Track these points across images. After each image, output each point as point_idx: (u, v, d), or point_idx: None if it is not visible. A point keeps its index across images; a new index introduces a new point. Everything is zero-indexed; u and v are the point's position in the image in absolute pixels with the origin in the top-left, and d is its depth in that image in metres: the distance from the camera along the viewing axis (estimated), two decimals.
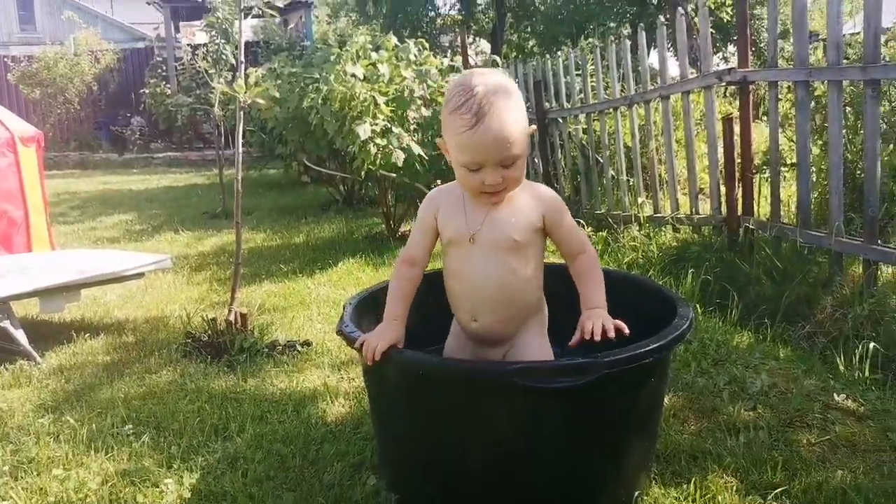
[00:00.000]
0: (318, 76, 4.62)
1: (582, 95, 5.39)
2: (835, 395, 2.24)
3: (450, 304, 1.76)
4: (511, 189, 1.59)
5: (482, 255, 1.64)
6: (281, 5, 3.18)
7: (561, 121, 5.63)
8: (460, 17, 13.51)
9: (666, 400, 2.23)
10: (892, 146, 3.67)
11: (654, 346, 1.51)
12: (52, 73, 12.85)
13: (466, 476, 1.56)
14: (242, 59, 2.99)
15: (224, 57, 6.99)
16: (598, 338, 1.51)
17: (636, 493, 1.66)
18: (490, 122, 1.48)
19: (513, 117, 1.51)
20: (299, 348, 2.87)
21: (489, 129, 1.49)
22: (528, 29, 13.22)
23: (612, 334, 1.51)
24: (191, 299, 3.74)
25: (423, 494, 1.59)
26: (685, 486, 1.74)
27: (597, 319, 1.54)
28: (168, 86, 12.79)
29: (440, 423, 1.58)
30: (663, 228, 4.31)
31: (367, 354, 1.55)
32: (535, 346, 1.69)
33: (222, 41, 7.12)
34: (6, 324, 2.81)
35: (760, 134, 5.25)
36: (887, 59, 3.40)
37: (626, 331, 1.52)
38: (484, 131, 1.49)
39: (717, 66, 4.27)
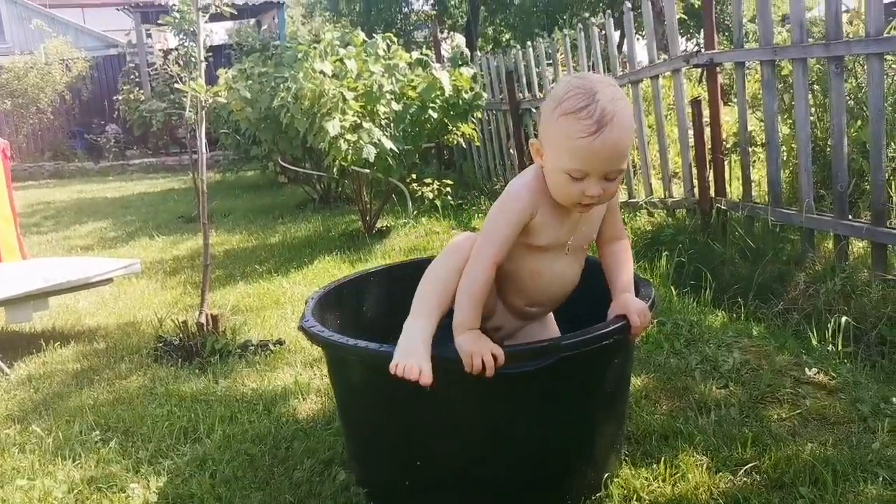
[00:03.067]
0: (288, 75, 4.58)
1: (554, 85, 5.37)
2: (806, 369, 2.25)
3: (499, 289, 1.63)
4: (608, 200, 1.53)
5: (567, 260, 1.61)
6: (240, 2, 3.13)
7: (534, 111, 5.62)
8: (434, 13, 13.47)
9: (638, 381, 2.23)
10: (859, 122, 3.68)
11: (614, 327, 1.50)
12: (23, 84, 12.67)
13: (433, 466, 1.54)
14: (202, 57, 2.95)
15: (193, 59, 6.92)
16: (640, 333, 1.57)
17: (606, 475, 1.65)
18: (611, 131, 1.38)
19: (632, 129, 1.44)
20: (272, 347, 2.84)
21: (609, 139, 1.38)
22: (503, 22, 13.23)
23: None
24: (164, 304, 3.70)
25: (391, 486, 1.57)
26: (655, 466, 1.73)
27: (643, 315, 1.55)
28: (142, 92, 12.70)
29: (404, 414, 1.56)
30: (638, 213, 4.31)
31: (484, 368, 1.41)
32: (552, 320, 1.78)
33: (191, 43, 7.04)
34: None
35: (732, 115, 5.27)
36: (850, 35, 3.41)
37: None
38: (603, 140, 1.38)
39: (687, 50, 4.27)
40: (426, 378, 1.41)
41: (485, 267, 1.51)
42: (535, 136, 5.70)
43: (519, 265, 1.59)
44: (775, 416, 1.97)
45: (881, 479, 1.62)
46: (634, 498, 1.63)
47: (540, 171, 1.54)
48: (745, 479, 1.67)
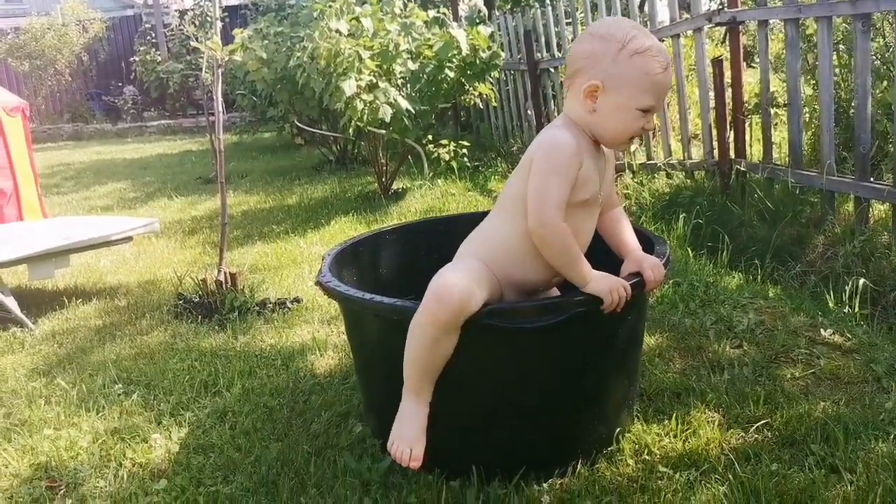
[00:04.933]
0: (304, 34, 4.55)
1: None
2: (822, 330, 2.24)
3: (524, 261, 1.56)
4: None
5: (594, 214, 1.62)
6: None
7: (553, 71, 5.55)
8: None
9: (652, 340, 2.24)
10: (885, 83, 3.61)
11: (629, 282, 1.50)
12: (41, 45, 12.68)
13: (448, 419, 1.56)
14: (218, 16, 2.93)
15: (209, 20, 6.88)
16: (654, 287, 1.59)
17: (617, 430, 1.67)
18: (671, 69, 1.52)
19: None
20: (289, 305, 2.87)
21: (671, 75, 1.52)
22: None
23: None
24: (183, 262, 3.75)
25: None
26: (667, 423, 1.75)
27: (656, 269, 1.57)
28: (158, 53, 12.68)
29: None
30: (656, 175, 4.28)
31: (624, 297, 1.47)
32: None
33: (207, 3, 6.99)
34: None
35: (753, 77, 5.17)
36: None
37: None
38: (670, 74, 1.51)
39: (710, 9, 4.18)
40: (416, 462, 1.49)
41: (558, 224, 1.46)
42: (553, 96, 5.62)
43: None
44: (788, 376, 1.97)
45: (892, 436, 1.62)
46: (645, 452, 1.65)
47: (570, 121, 1.55)
48: (756, 435, 1.69)
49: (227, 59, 2.93)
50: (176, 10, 13.09)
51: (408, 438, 1.51)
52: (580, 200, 1.52)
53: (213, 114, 2.84)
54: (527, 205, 1.49)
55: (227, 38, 5.11)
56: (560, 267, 1.51)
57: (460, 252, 1.66)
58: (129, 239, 3.32)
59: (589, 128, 1.54)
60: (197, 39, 6.43)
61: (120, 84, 13.33)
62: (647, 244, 1.72)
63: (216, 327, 2.70)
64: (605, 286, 1.46)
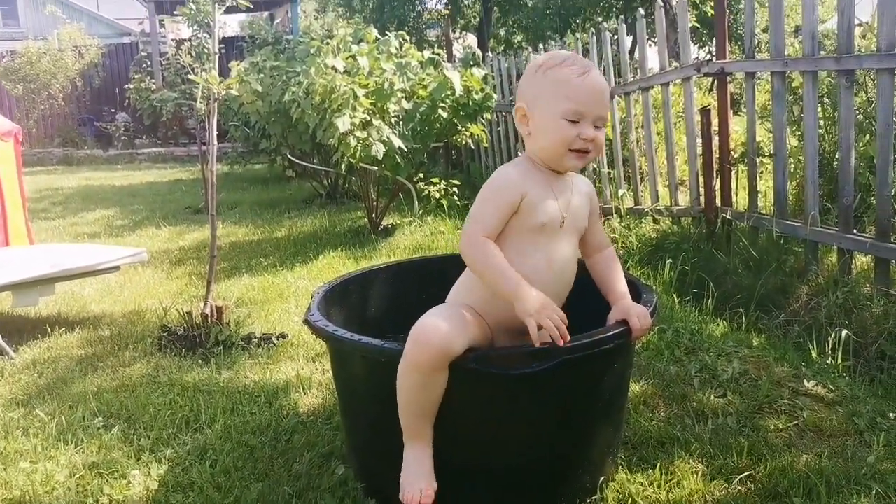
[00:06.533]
0: (300, 69, 4.61)
1: None
2: (805, 381, 2.26)
3: (501, 308, 1.54)
4: (596, 155, 1.60)
5: (566, 241, 1.62)
6: None
7: None
8: (447, 12, 13.47)
9: (637, 387, 2.24)
10: (867, 136, 3.69)
11: (615, 331, 1.52)
12: (36, 69, 12.73)
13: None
14: (216, 49, 2.97)
15: (206, 51, 6.95)
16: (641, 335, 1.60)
17: (601, 479, 1.66)
18: (596, 74, 1.55)
19: (607, 85, 1.60)
20: (275, 341, 2.86)
21: (596, 79, 1.55)
22: (515, 23, 13.22)
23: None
24: (169, 293, 3.72)
25: (390, 482, 1.58)
26: (651, 472, 1.75)
27: (643, 318, 1.58)
28: (153, 81, 12.73)
29: None
30: (643, 220, 4.32)
31: (558, 336, 1.41)
32: None
33: (204, 35, 7.06)
34: None
35: (740, 125, 5.27)
36: (861, 49, 3.42)
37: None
38: (593, 79, 1.54)
39: (698, 59, 4.28)
40: (427, 500, 1.50)
41: (483, 241, 1.51)
42: None
43: (526, 258, 1.54)
44: (772, 427, 1.98)
45: (874, 492, 1.63)
46: (629, 502, 1.64)
47: (522, 158, 1.63)
48: (739, 487, 1.69)
49: (224, 93, 2.96)
50: (173, 40, 13.21)
51: (415, 482, 1.51)
52: (537, 224, 1.55)
53: (205, 143, 2.86)
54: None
55: (223, 70, 5.17)
56: (491, 285, 1.51)
57: (448, 299, 1.67)
58: (117, 268, 3.31)
59: (534, 154, 1.60)
60: (193, 70, 6.47)
61: (113, 110, 13.36)
62: (634, 291, 1.73)
63: (200, 361, 2.68)
64: (532, 306, 1.43)
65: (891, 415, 2.02)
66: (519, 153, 5.57)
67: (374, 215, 5.03)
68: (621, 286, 1.68)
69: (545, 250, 1.57)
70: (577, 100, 1.52)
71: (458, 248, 1.56)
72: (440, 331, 1.44)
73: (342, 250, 4.46)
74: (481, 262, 1.51)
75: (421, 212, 5.12)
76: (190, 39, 10.21)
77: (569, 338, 1.42)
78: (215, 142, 3.00)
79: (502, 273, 1.48)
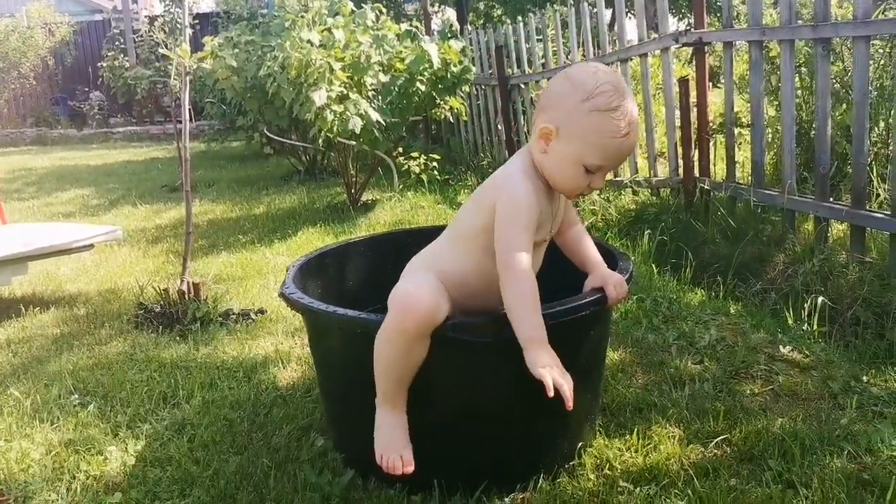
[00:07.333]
0: (275, 44, 4.53)
1: (544, 61, 5.36)
2: (781, 347, 2.28)
3: (467, 295, 1.53)
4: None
5: (541, 251, 1.59)
6: None
7: (523, 86, 5.60)
8: None
9: (615, 355, 2.25)
10: (844, 106, 3.71)
11: (591, 298, 1.52)
12: (4, 47, 12.45)
13: (409, 432, 1.55)
14: (188, 22, 2.91)
15: (179, 26, 6.81)
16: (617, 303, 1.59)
17: (579, 445, 1.67)
18: (635, 132, 1.45)
19: None
20: (253, 316, 2.84)
21: (633, 140, 1.45)
22: None
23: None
24: (146, 271, 3.68)
25: (369, 451, 1.58)
26: (628, 437, 1.76)
27: (619, 286, 1.57)
28: (126, 59, 12.51)
29: None
30: (622, 192, 4.33)
31: (568, 398, 1.38)
32: None
33: (177, 10, 6.92)
34: None
35: (718, 97, 5.28)
36: (838, 18, 3.41)
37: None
38: (630, 141, 1.44)
39: (678, 30, 4.26)
40: (409, 468, 1.49)
41: (529, 274, 1.43)
42: (524, 111, 5.66)
43: None
44: (748, 392, 2.00)
45: (846, 452, 1.65)
46: (607, 467, 1.65)
47: (528, 163, 1.52)
48: (715, 451, 1.70)
49: (195, 66, 2.90)
50: (146, 17, 12.96)
51: (395, 447, 1.51)
52: (534, 242, 1.51)
53: (180, 121, 2.81)
54: (495, 251, 1.46)
55: (197, 46, 5.06)
56: (513, 316, 1.42)
57: (413, 267, 1.65)
58: (91, 247, 3.26)
59: (541, 168, 1.51)
60: (167, 46, 6.35)
61: (86, 89, 13.12)
62: (611, 259, 1.73)
63: (177, 338, 2.66)
64: (546, 361, 1.38)
65: (864, 378, 2.04)
66: (523, 132, 5.44)
67: (353, 191, 5.00)
68: (596, 256, 1.67)
69: (534, 261, 1.54)
70: (606, 158, 1.44)
71: (502, 267, 1.44)
72: (427, 297, 1.43)
73: (321, 226, 4.43)
74: (525, 294, 1.42)
75: (401, 187, 5.09)
76: (163, 15, 10.01)
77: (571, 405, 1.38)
78: (189, 117, 2.95)
79: (536, 313, 1.41)
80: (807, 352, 2.26)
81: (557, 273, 1.65)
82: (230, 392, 2.17)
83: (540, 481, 1.58)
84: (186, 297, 2.87)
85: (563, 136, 1.45)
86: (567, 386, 1.38)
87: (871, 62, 3.02)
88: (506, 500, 1.55)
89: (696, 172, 3.84)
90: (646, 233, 3.45)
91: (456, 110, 4.88)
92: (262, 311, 2.89)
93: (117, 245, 4.18)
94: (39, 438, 1.95)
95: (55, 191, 6.64)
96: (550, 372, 1.37)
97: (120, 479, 1.73)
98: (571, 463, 1.65)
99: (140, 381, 2.28)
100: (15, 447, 1.89)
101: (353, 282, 2.13)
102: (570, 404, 1.37)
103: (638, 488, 1.56)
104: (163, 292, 2.91)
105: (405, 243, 2.18)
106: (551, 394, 1.35)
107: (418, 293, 1.44)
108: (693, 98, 3.88)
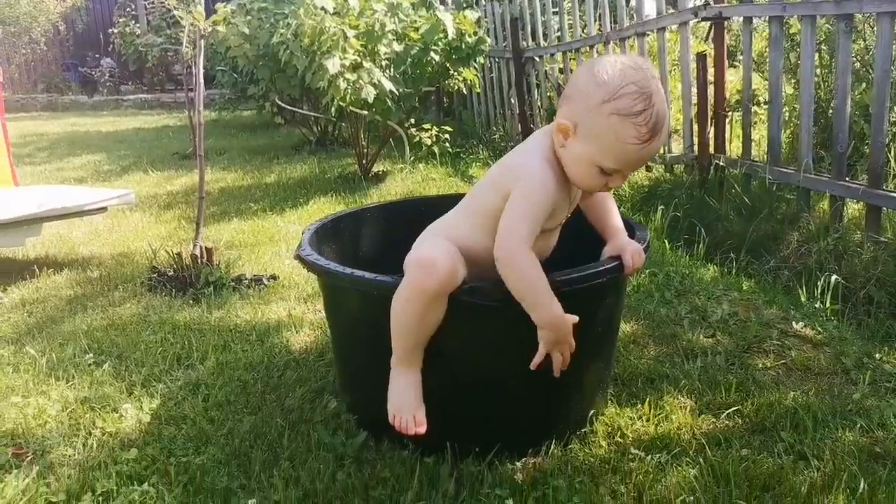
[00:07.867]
0: (288, 11, 4.49)
1: (559, 34, 5.30)
2: (794, 323, 2.28)
3: (487, 270, 1.49)
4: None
5: (554, 234, 1.59)
6: None
7: (537, 59, 5.55)
8: None
9: (627, 328, 2.26)
10: (864, 85, 3.66)
11: (608, 266, 1.51)
12: (15, 11, 12.38)
13: (424, 395, 1.56)
14: None
15: None
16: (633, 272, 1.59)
17: (591, 412, 1.68)
18: (659, 138, 1.38)
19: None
20: (266, 282, 2.85)
21: (655, 146, 1.39)
22: None
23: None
24: (158, 236, 3.69)
25: (382, 414, 1.59)
26: (640, 407, 1.77)
27: (636, 255, 1.56)
28: (138, 25, 12.43)
29: None
30: None
31: (558, 368, 1.47)
32: None
33: None
34: None
35: (736, 76, 5.22)
36: None
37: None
38: (651, 148, 1.38)
39: (696, 4, 4.20)
40: (421, 428, 1.50)
41: (529, 252, 1.41)
42: (538, 85, 5.61)
43: None
44: (760, 366, 2.00)
45: (858, 426, 1.66)
46: (618, 435, 1.66)
47: (549, 149, 1.48)
48: (727, 421, 1.71)
49: (210, 30, 2.89)
50: None
51: (408, 407, 1.52)
52: (547, 226, 1.50)
53: (192, 89, 2.79)
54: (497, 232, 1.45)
55: (209, 13, 5.03)
56: (521, 299, 1.42)
57: (430, 234, 1.64)
58: (104, 209, 3.27)
59: (560, 158, 1.48)
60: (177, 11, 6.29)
61: (97, 56, 13.05)
62: (627, 228, 1.72)
63: (190, 301, 2.67)
64: (552, 336, 1.42)
65: (877, 356, 2.04)
66: (537, 106, 5.36)
67: (364, 161, 4.98)
68: (617, 221, 1.66)
69: (541, 244, 1.53)
70: (623, 163, 1.40)
71: (499, 241, 1.42)
72: (447, 259, 1.44)
73: (332, 196, 4.42)
74: (523, 281, 1.41)
75: (412, 158, 5.07)
76: None
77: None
78: (202, 80, 2.94)
79: (546, 287, 1.41)
80: (819, 328, 2.25)
81: (577, 238, 1.65)
82: (244, 354, 2.18)
83: (552, 447, 1.60)
84: (199, 261, 2.88)
85: (581, 135, 1.40)
86: (566, 359, 1.46)
87: (894, 40, 2.98)
88: (518, 464, 1.56)
89: (712, 149, 3.81)
90: (659, 208, 3.43)
91: (470, 82, 4.85)
92: (274, 277, 2.90)
93: (129, 210, 4.20)
94: (55, 395, 1.97)
95: (67, 156, 6.65)
96: (553, 347, 1.44)
97: (135, 435, 1.76)
98: (583, 430, 1.66)
99: (154, 342, 2.30)
100: (32, 403, 1.92)
101: (367, 247, 2.13)
102: (556, 373, 1.46)
103: (649, 456, 1.57)
104: (176, 256, 2.92)
105: (420, 212, 2.17)
106: (533, 367, 1.45)
107: (440, 255, 1.45)
108: (710, 75, 3.84)
